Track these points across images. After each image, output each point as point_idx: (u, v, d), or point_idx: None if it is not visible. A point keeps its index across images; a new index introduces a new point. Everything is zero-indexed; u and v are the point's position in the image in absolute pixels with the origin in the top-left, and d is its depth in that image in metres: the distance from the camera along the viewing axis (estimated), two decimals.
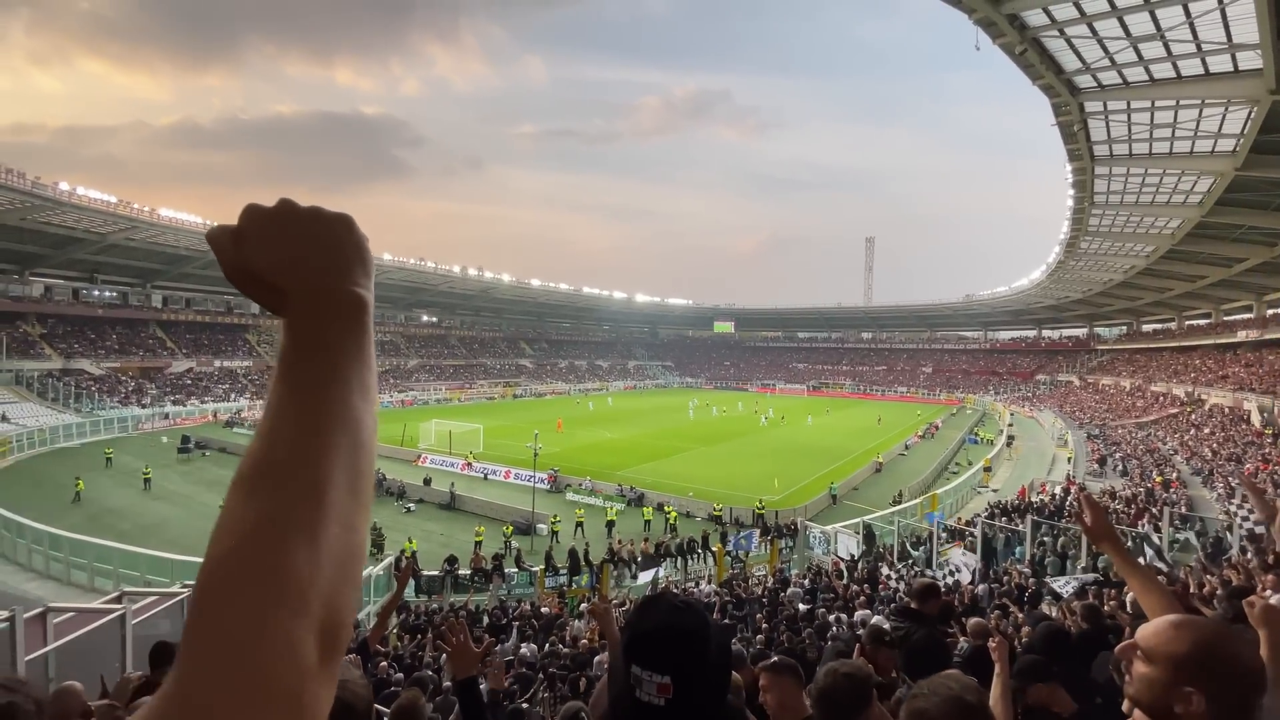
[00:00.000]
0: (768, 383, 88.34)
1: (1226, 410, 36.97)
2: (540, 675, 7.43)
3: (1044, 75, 19.25)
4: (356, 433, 0.49)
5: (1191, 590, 7.05)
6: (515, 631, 11.42)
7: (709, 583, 17.57)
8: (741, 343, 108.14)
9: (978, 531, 16.90)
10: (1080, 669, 2.91)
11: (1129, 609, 7.00)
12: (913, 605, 3.55)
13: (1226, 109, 19.56)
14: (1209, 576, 9.95)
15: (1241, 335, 44.61)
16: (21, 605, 6.24)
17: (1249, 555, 10.41)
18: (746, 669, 3.08)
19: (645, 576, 18.19)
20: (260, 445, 0.47)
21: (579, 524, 22.36)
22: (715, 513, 24.29)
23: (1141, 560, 11.32)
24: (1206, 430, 34.75)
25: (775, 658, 2.12)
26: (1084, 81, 19.99)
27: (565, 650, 9.58)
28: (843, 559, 18.64)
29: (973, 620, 4.32)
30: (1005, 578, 12.43)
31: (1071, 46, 18.08)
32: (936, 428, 48.92)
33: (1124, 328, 68.45)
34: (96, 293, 53.21)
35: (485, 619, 12.46)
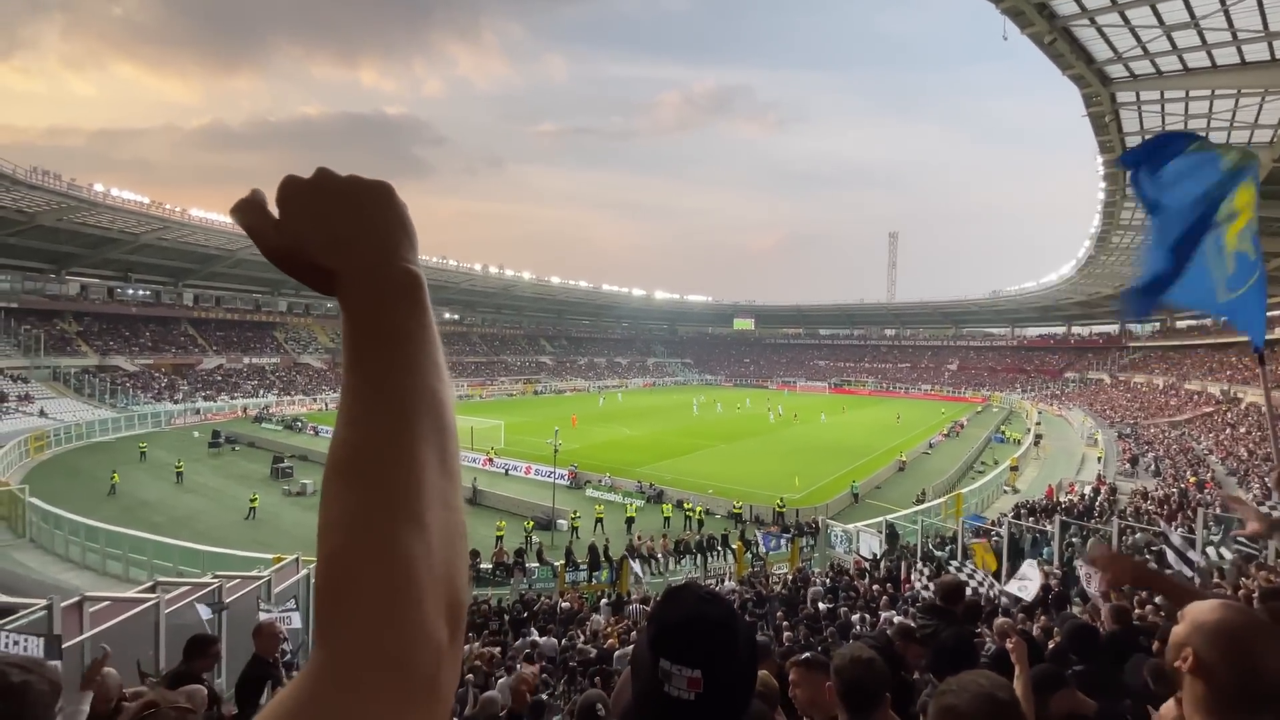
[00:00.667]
0: (788, 380, 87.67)
1: (1263, 409, 35.86)
2: (561, 669, 7.49)
3: (1074, 65, 18.78)
4: (440, 414, 0.48)
5: (1228, 593, 6.85)
6: (534, 626, 11.50)
7: (729, 580, 17.52)
8: (761, 340, 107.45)
9: (1003, 531, 16.62)
10: (1110, 669, 2.84)
11: (1162, 610, 6.82)
12: (940, 603, 3.50)
13: (1263, 98, 18.93)
14: (1245, 579, 9.67)
15: None
16: (59, 594, 6.45)
17: None
18: (771, 661, 3.05)
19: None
20: (352, 434, 0.45)
21: (599, 520, 22.45)
22: (735, 510, 24.21)
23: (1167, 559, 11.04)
24: (1243, 430, 33.75)
25: (807, 654, 2.08)
26: (1116, 71, 19.46)
27: (585, 646, 9.62)
28: (865, 558, 18.45)
29: (999, 620, 4.24)
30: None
31: (1103, 35, 17.60)
32: (961, 426, 48.14)
33: (1157, 324, 66.70)
34: (130, 291, 54.65)
35: (505, 614, 12.55)
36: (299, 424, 42.37)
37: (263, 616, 6.78)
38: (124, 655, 5.86)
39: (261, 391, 52.35)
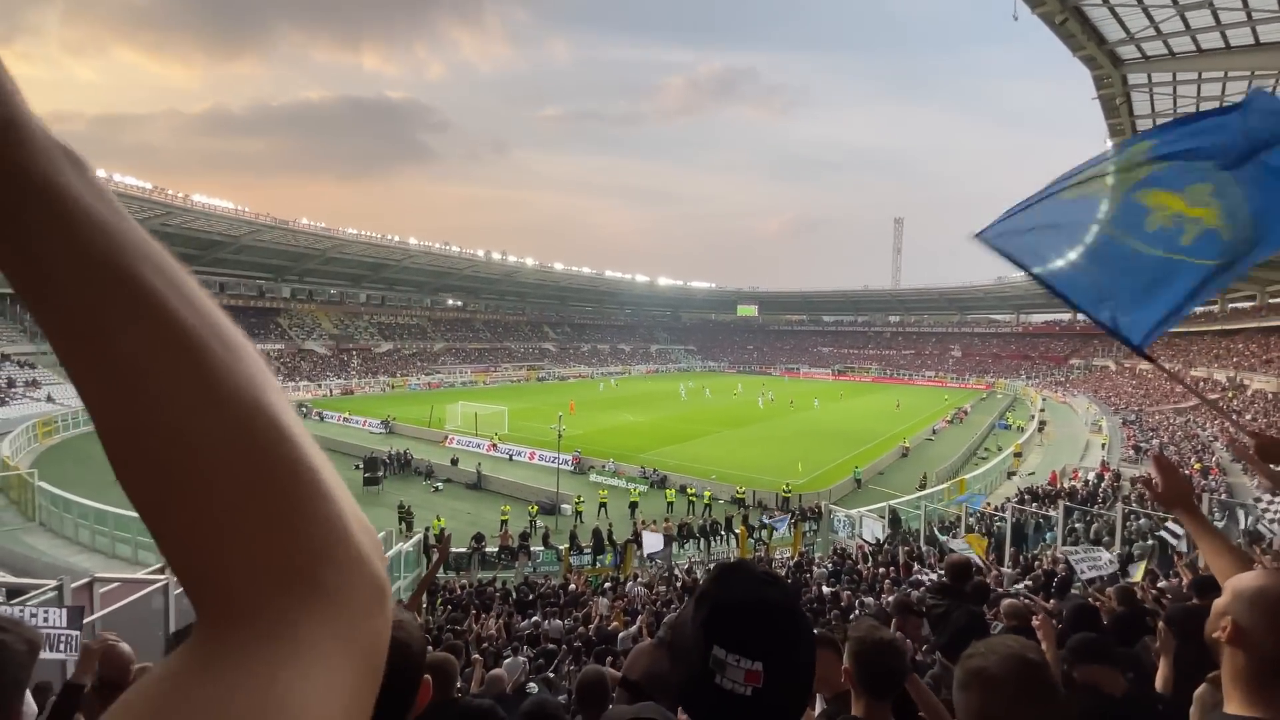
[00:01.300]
0: (792, 367, 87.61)
1: (1270, 395, 35.71)
2: (565, 648, 7.57)
3: (1085, 46, 18.51)
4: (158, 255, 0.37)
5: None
6: (539, 608, 11.61)
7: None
8: (765, 326, 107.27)
9: (1007, 516, 16.66)
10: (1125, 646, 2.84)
11: (1168, 594, 6.83)
12: (949, 582, 3.49)
13: (1277, 80, 18.65)
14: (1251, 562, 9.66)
15: None
16: (70, 575, 6.50)
17: None
18: None
19: (652, 545, 18.13)
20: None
21: (603, 504, 22.57)
22: (739, 495, 24.30)
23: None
24: (1248, 416, 33.63)
25: (816, 630, 2.06)
26: (1128, 52, 19.17)
27: (586, 629, 9.70)
28: (867, 542, 18.53)
29: (1006, 602, 4.24)
30: (1035, 564, 12.24)
31: (1115, 15, 17.33)
32: (965, 413, 48.11)
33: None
34: None
35: (513, 595, 12.67)
36: (304, 409, 42.54)
37: None
38: (134, 635, 5.93)
39: None
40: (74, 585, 6.08)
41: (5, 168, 0.31)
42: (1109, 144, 26.18)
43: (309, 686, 0.30)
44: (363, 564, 0.35)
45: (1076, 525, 15.91)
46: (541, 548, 18.91)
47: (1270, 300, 48.29)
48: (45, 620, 5.16)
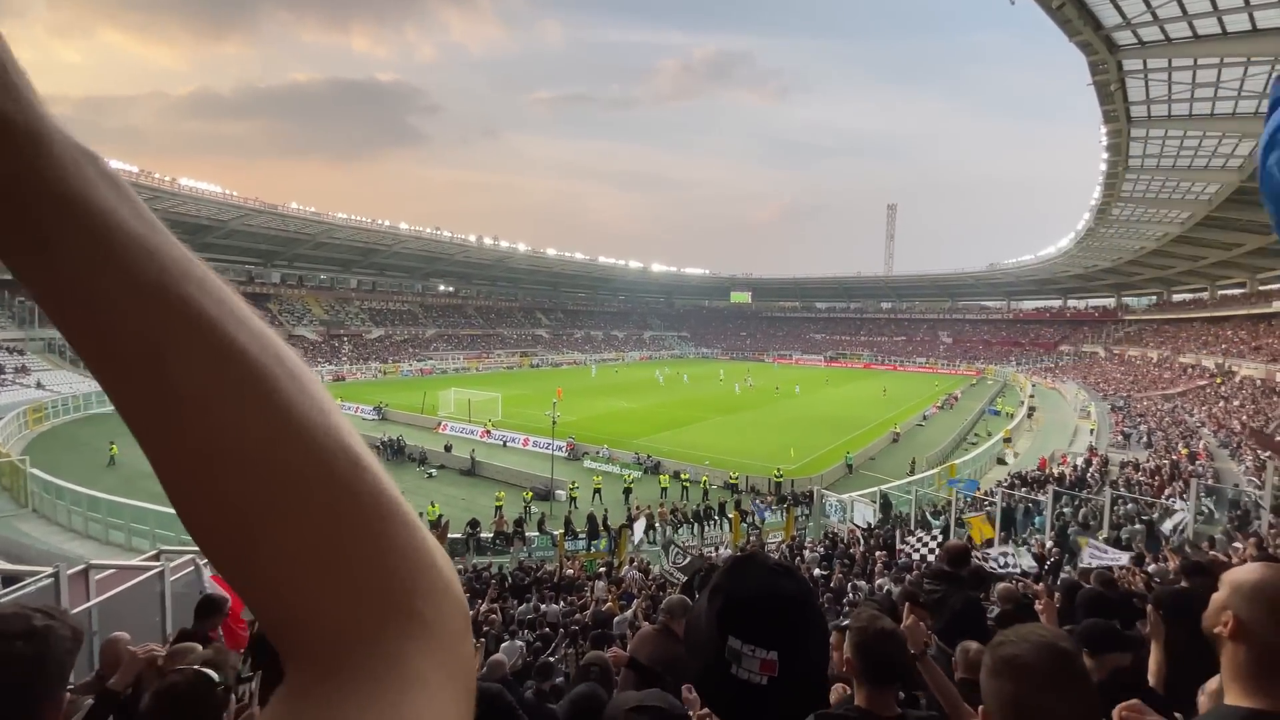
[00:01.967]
0: (784, 353, 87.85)
1: (1258, 382, 36.13)
2: (563, 632, 7.64)
3: (1081, 31, 18.46)
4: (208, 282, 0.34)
5: (1221, 560, 6.96)
6: (535, 592, 11.69)
7: (725, 548, 17.75)
8: (758, 313, 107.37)
9: (997, 501, 16.85)
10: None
11: (1156, 578, 6.95)
12: (946, 568, 3.54)
13: (1274, 66, 18.65)
14: (1235, 545, 9.85)
15: (1278, 305, 43.34)
16: (64, 562, 6.48)
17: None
18: None
19: (639, 531, 18.26)
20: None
21: (597, 490, 22.66)
22: (731, 480, 24.46)
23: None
24: (1236, 403, 34.04)
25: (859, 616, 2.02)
26: (1124, 38, 19.13)
27: (582, 615, 9.79)
28: (859, 526, 18.72)
29: (1000, 585, 4.31)
30: (1024, 547, 12.40)
31: (1112, 0, 17.28)
32: (955, 398, 48.46)
33: (1154, 297, 66.80)
34: None
35: (508, 580, 12.74)
36: None
37: None
38: (130, 622, 5.93)
39: None
40: (70, 572, 6.06)
41: (33, 185, 0.28)
42: (1102, 130, 26.23)
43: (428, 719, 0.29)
44: (449, 590, 0.35)
45: (1065, 510, 16.12)
46: (536, 533, 18.99)
47: (1260, 288, 48.71)
48: None
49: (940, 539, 11.26)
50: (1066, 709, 1.09)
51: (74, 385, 38.43)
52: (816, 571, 11.75)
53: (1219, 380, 39.80)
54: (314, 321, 64.71)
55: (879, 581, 9.72)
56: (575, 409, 37.99)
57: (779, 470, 24.50)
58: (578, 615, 9.48)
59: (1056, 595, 5.29)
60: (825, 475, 25.29)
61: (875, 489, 21.30)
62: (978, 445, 31.32)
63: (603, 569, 14.67)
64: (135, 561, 8.04)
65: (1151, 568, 8.16)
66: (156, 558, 7.91)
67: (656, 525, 19.72)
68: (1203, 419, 32.92)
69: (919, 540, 11.37)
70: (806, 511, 21.62)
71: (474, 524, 18.59)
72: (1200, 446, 26.54)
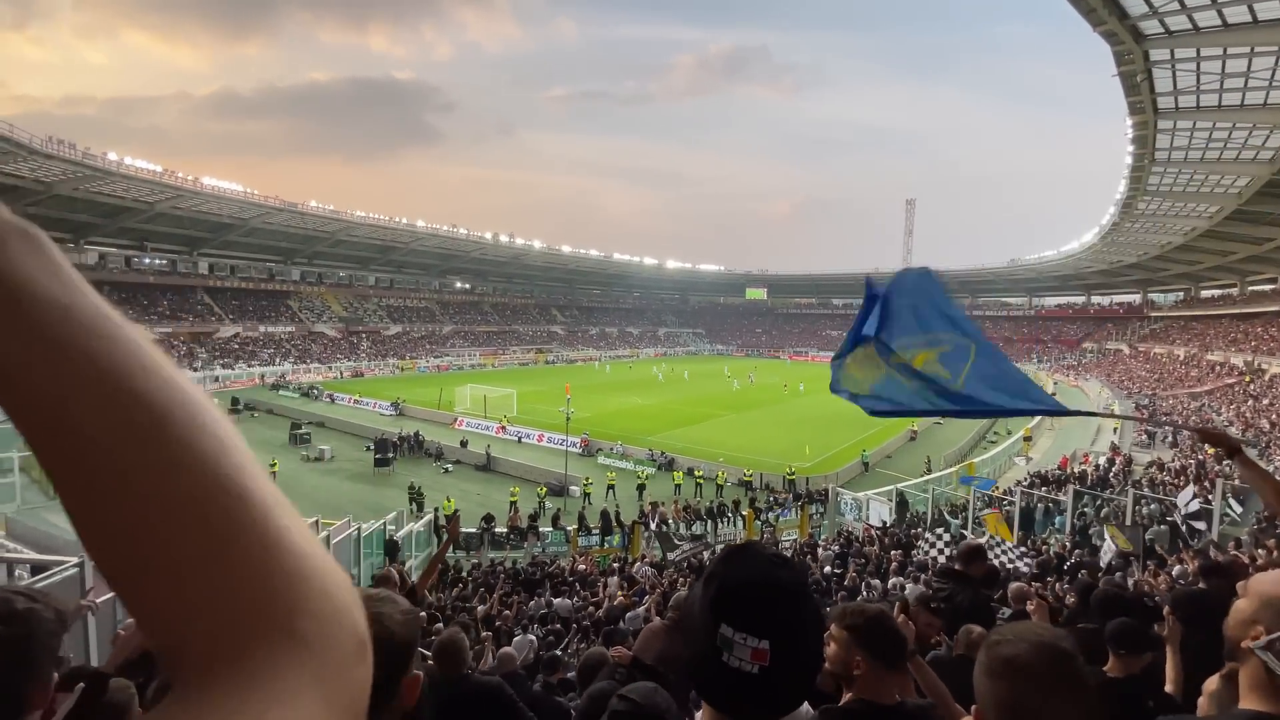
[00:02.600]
0: (801, 350, 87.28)
1: None
2: (574, 627, 7.67)
3: (1106, 21, 18.06)
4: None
5: (1242, 560, 6.80)
6: (548, 587, 11.74)
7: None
8: (774, 309, 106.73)
9: (1016, 500, 16.61)
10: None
11: (1158, 582, 6.81)
12: (957, 567, 3.48)
13: None
14: (1259, 550, 9.61)
15: None
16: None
17: None
18: None
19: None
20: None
21: (610, 486, 22.71)
22: (746, 478, 24.38)
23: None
24: (1266, 401, 33.21)
25: (846, 605, 1.95)
26: (1150, 27, 18.68)
27: (595, 610, 9.81)
28: (873, 526, 18.56)
29: (1013, 585, 4.24)
30: (1045, 547, 12.22)
31: None
32: None
33: (1181, 293, 65.33)
34: (147, 260, 55.09)
35: (521, 574, 12.82)
36: (315, 391, 42.94)
37: None
38: None
39: (277, 359, 53.00)
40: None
41: None
42: (1128, 122, 25.66)
43: None
44: (341, 616, 0.37)
45: (1086, 510, 15.85)
46: (550, 528, 19.09)
47: None
48: None
49: (948, 538, 11.14)
50: (1065, 712, 1.05)
51: None
52: (828, 570, 11.66)
53: (1248, 378, 38.85)
54: (333, 318, 65.50)
55: (893, 581, 9.63)
56: (589, 405, 38.09)
57: (791, 468, 24.37)
58: (589, 610, 9.51)
59: (1069, 597, 5.20)
60: (841, 473, 25.11)
61: (892, 487, 21.10)
62: (997, 444, 30.90)
63: (615, 565, 14.70)
64: None
65: (1175, 570, 8.00)
66: None
67: (670, 521, 19.71)
68: (1231, 418, 32.15)
69: (931, 540, 11.25)
70: (821, 510, 21.48)
71: (489, 519, 18.74)
72: None
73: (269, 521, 0.36)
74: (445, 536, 17.60)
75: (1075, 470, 23.22)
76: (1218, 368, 44.74)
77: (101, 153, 41.39)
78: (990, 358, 2.82)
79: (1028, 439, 31.07)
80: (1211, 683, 1.57)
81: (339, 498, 21.60)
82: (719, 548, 14.61)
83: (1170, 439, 29.37)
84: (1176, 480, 19.44)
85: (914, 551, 11.54)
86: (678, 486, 23.54)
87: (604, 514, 19.31)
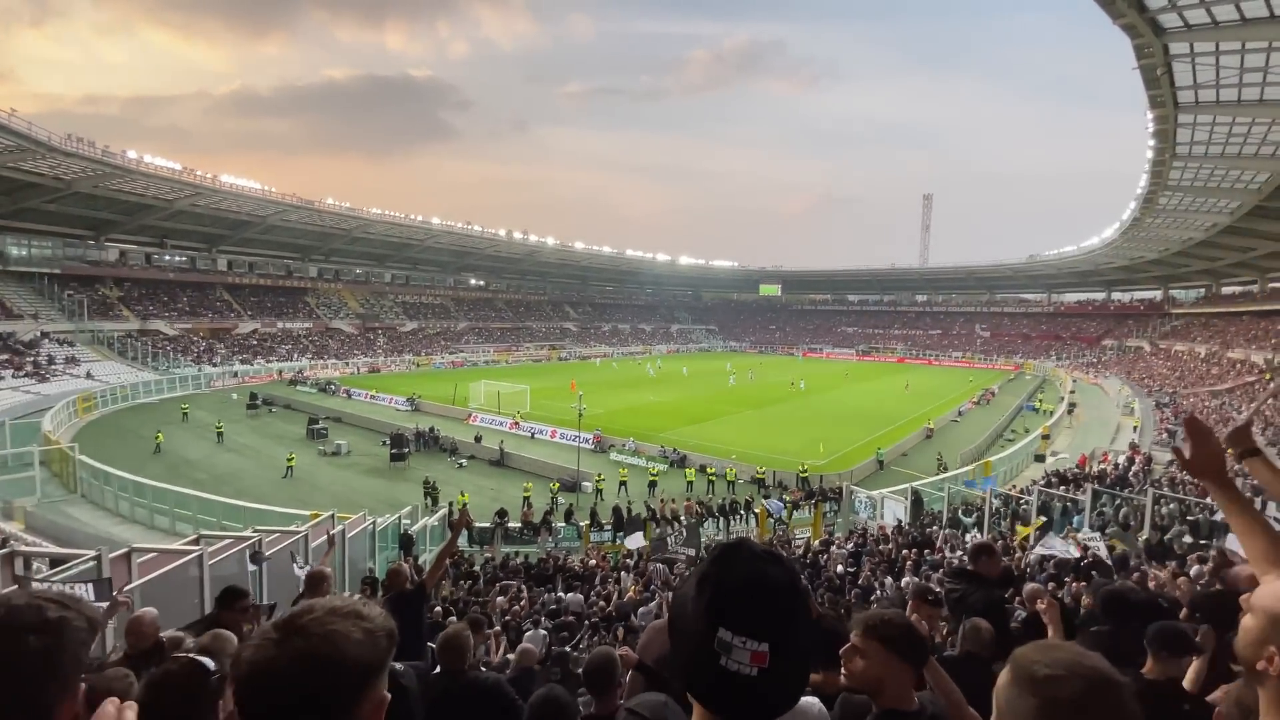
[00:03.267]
0: (815, 347, 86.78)
1: None
2: (585, 623, 7.70)
3: (1125, 14, 17.74)
4: None
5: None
6: (561, 582, 11.80)
7: None
8: (788, 306, 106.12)
9: (1033, 499, 16.42)
10: (1141, 634, 2.79)
11: (1179, 584, 6.71)
12: (969, 566, 3.45)
13: None
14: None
15: None
16: (109, 546, 6.76)
17: None
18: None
19: (631, 543, 17.68)
20: None
21: (623, 483, 22.76)
22: (759, 475, 24.31)
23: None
24: None
25: (868, 616, 1.77)
26: (1169, 20, 18.32)
27: (606, 605, 9.84)
28: (886, 525, 18.43)
29: (1029, 586, 4.20)
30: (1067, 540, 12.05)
31: None
32: (992, 394, 47.31)
33: (1202, 290, 64.12)
34: (167, 257, 55.90)
35: (532, 569, 12.89)
36: (332, 387, 43.37)
37: (309, 568, 7.08)
38: (171, 602, 6.16)
39: (295, 355, 53.58)
40: (112, 555, 6.31)
41: None
42: (1149, 116, 25.22)
43: None
44: None
45: (1105, 509, 15.62)
46: (563, 524, 19.17)
47: None
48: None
49: (969, 539, 11.03)
50: None
51: (122, 376, 39.98)
52: (841, 569, 11.60)
53: (1269, 376, 38.08)
54: (350, 315, 66.09)
55: (907, 580, 9.57)
56: (602, 402, 38.15)
57: (804, 466, 24.26)
58: (600, 604, 9.54)
59: (1085, 598, 5.14)
60: (855, 471, 24.95)
61: (907, 486, 20.94)
62: (1014, 442, 30.55)
63: (627, 560, 14.73)
64: (176, 545, 8.33)
65: (1194, 570, 7.87)
66: (196, 542, 8.19)
67: (681, 519, 19.67)
68: (1251, 417, 31.54)
69: (954, 542, 11.15)
70: (836, 508, 21.37)
71: (502, 513, 18.85)
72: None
73: None
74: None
75: (1094, 469, 22.89)
76: (1238, 365, 43.90)
77: (121, 151, 42.02)
78: None
79: (1045, 437, 30.68)
80: (1237, 686, 1.55)
81: (355, 492, 21.84)
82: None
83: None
84: (1196, 480, 19.08)
85: (929, 551, 11.44)
86: (690, 484, 23.52)
87: (616, 510, 19.35)
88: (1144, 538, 12.92)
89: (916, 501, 19.94)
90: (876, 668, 1.61)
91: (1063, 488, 18.73)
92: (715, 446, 28.44)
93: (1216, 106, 23.04)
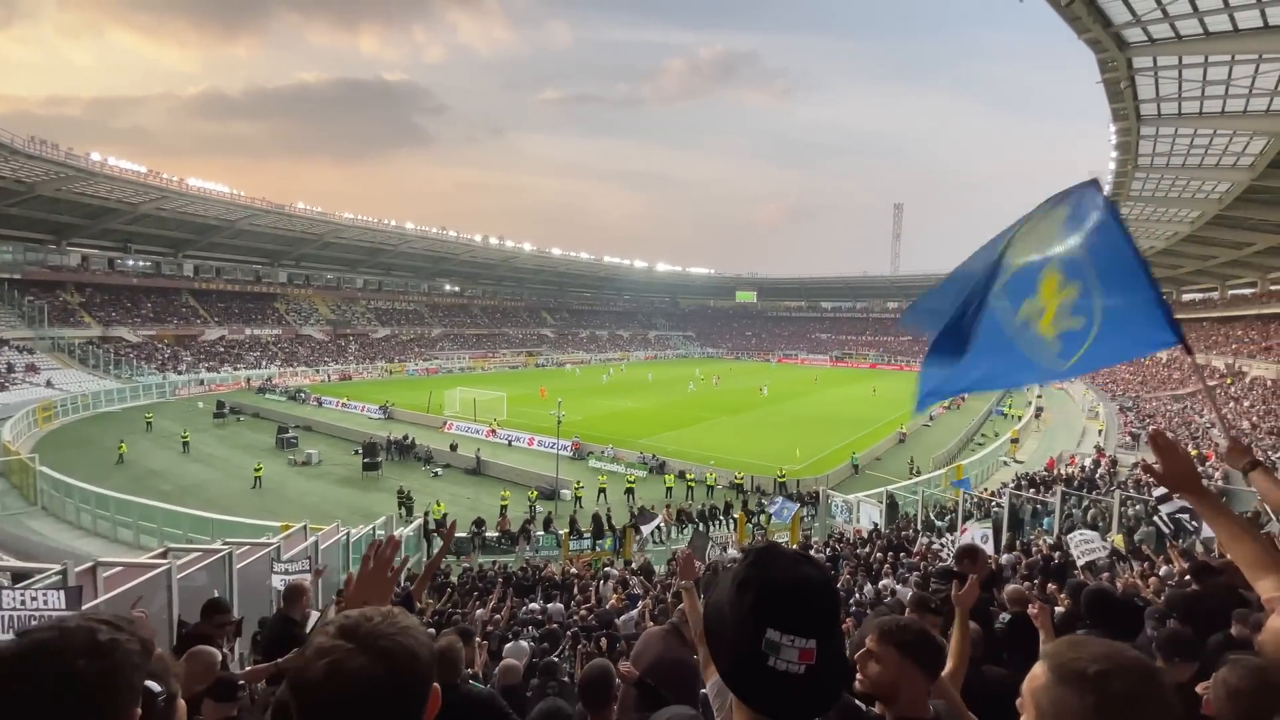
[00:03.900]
0: (790, 353, 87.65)
1: (1269, 382, 35.80)
2: (567, 633, 7.62)
3: (1090, 29, 18.29)
4: None
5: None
6: (540, 591, 11.68)
7: (731, 548, 17.70)
8: (764, 312, 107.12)
9: (1004, 502, 16.74)
10: (1128, 633, 2.85)
11: (1148, 583, 6.88)
12: (955, 568, 3.50)
13: None
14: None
15: None
16: (72, 559, 6.51)
17: None
18: None
19: (647, 529, 18.14)
20: None
21: (602, 490, 22.65)
22: (737, 480, 24.41)
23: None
24: (1246, 403, 33.73)
25: (885, 619, 1.75)
26: (1133, 35, 18.95)
27: (589, 614, 9.76)
28: (861, 529, 18.62)
29: (1010, 588, 4.26)
30: (1034, 549, 12.31)
31: None
32: (962, 399, 48.19)
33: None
34: (131, 262, 54.33)
35: (513, 578, 12.74)
36: (302, 395, 42.54)
37: (288, 578, 6.90)
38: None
39: (264, 362, 52.45)
40: (77, 570, 6.08)
41: None
42: (1111, 129, 26.03)
43: None
44: None
45: (1074, 511, 15.99)
46: (542, 532, 19.01)
47: (1271, 287, 48.21)
48: (45, 604, 5.18)
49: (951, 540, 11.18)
50: None
51: (83, 384, 38.72)
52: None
53: (1229, 381, 39.46)
54: (321, 321, 64.94)
55: (884, 583, 9.67)
56: (580, 409, 38.00)
57: (782, 470, 24.43)
58: (582, 613, 9.46)
59: (1063, 597, 5.24)
60: (831, 475, 25.20)
61: (882, 489, 21.20)
62: (985, 446, 31.15)
63: (607, 568, 14.65)
64: (143, 559, 8.07)
65: (1163, 570, 8.08)
66: (164, 555, 7.93)
67: (661, 525, 19.68)
68: (1212, 420, 32.61)
69: (939, 545, 11.29)
70: (813, 512, 21.54)
71: (479, 523, 18.62)
72: (1210, 448, 26.29)
73: None
74: (438, 540, 17.42)
75: (1062, 472, 23.44)
76: (1200, 370, 45.38)
77: (85, 153, 40.84)
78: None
79: (1015, 441, 31.35)
80: (1223, 672, 1.57)
81: (327, 502, 21.40)
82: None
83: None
84: (1176, 494, 19.61)
85: (905, 555, 11.58)
86: (669, 489, 23.52)
87: (595, 517, 19.25)
88: (1113, 536, 13.24)
89: (892, 505, 20.20)
90: (891, 673, 1.60)
91: (1032, 490, 19.15)
92: (694, 452, 28.50)
93: (1179, 119, 23.86)
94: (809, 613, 0.92)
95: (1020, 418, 39.24)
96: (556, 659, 4.81)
